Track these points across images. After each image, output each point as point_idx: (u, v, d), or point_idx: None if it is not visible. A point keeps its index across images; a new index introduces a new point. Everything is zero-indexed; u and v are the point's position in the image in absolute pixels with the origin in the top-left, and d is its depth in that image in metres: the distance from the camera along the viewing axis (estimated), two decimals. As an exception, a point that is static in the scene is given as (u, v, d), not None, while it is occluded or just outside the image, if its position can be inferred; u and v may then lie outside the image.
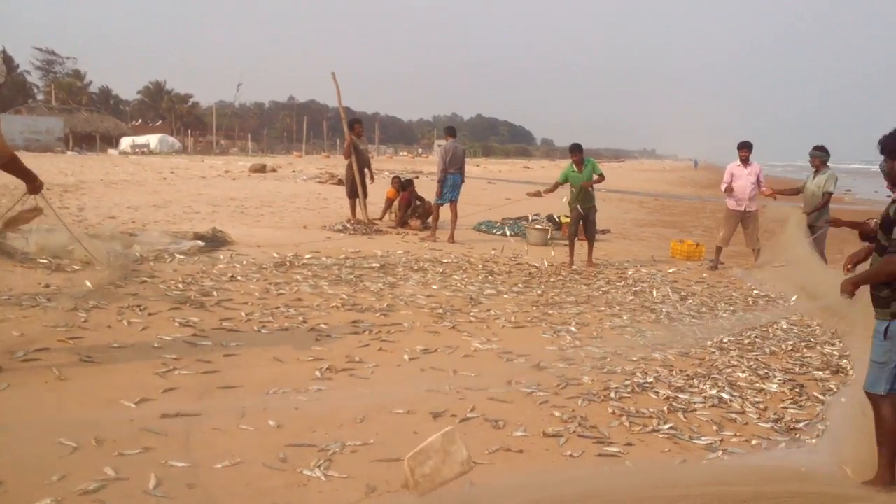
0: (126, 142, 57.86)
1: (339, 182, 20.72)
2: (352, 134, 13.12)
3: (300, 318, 6.44)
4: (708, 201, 26.25)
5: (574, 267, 10.15)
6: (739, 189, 10.46)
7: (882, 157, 3.77)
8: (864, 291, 3.86)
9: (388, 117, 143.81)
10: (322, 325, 6.27)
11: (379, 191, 16.01)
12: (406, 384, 4.94)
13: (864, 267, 4.06)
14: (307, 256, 9.50)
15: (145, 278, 7.49)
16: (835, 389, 5.22)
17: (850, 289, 3.79)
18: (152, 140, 58.33)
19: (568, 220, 11.89)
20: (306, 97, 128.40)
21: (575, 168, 10.35)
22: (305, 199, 18.46)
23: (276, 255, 9.35)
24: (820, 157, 9.48)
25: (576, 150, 10.33)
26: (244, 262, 8.80)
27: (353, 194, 13.39)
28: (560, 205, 11.20)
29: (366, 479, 3.50)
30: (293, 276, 8.17)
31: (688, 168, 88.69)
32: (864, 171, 64.77)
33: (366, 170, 13.37)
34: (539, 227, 13.21)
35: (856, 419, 4.05)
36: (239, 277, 7.94)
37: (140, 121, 76.90)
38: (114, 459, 3.52)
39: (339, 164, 30.44)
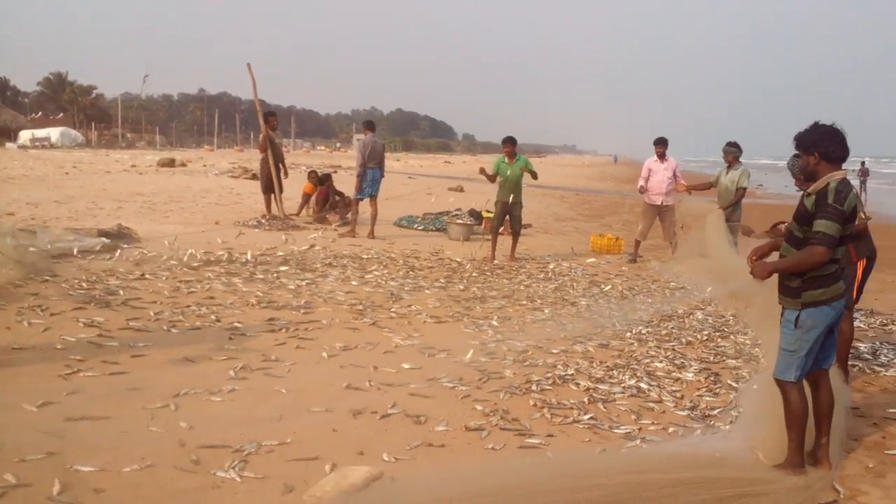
0: (25, 135, 55.07)
1: (254, 177, 20.35)
2: (267, 127, 12.88)
3: (213, 317, 6.29)
4: (627, 196, 26.93)
5: (496, 262, 10.25)
6: (657, 183, 10.78)
7: (791, 155, 3.95)
8: (772, 282, 4.01)
9: (305, 111, 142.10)
10: (236, 324, 6.14)
11: (295, 186, 15.79)
12: (325, 382, 4.88)
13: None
14: (220, 253, 9.27)
15: (47, 277, 7.16)
16: (747, 377, 5.43)
17: (764, 274, 3.93)
18: (53, 133, 55.84)
19: (490, 215, 12.01)
20: (218, 89, 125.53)
21: (506, 160, 10.43)
22: (217, 194, 18.07)
23: (186, 252, 9.09)
24: (732, 152, 9.83)
25: (508, 142, 10.38)
26: (152, 260, 8.53)
27: (268, 189, 13.13)
28: (482, 200, 11.27)
29: (283, 478, 3.44)
30: (205, 274, 7.97)
31: (607, 163, 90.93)
32: (772, 167, 67.90)
33: (280, 164, 13.14)
34: (461, 222, 13.28)
35: (767, 405, 4.21)
36: (147, 276, 7.68)
37: (40, 113, 73.44)
38: (15, 466, 3.37)
39: (252, 159, 29.91)
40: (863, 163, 28.81)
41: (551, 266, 10.20)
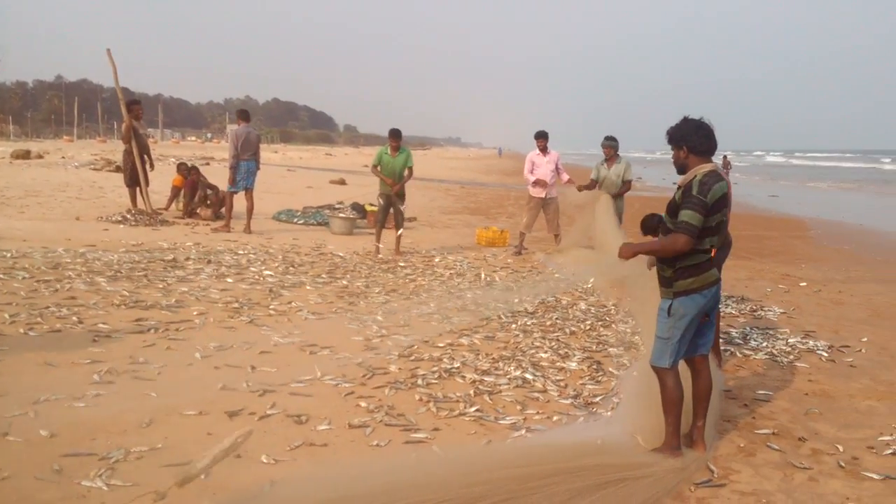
0: None
1: (117, 169, 19.49)
2: (130, 116, 12.34)
3: (74, 319, 6.01)
4: (512, 189, 27.56)
5: (381, 256, 10.27)
6: (540, 176, 11.10)
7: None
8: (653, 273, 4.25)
9: (174, 99, 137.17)
10: (101, 325, 5.90)
11: (164, 179, 15.25)
12: (198, 384, 4.77)
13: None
14: (81, 250, 8.84)
15: None
16: (628, 364, 5.70)
17: (627, 254, 4.13)
18: None
19: (374, 208, 12.01)
20: (77, 76, 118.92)
21: (390, 152, 10.46)
22: (78, 188, 17.25)
23: (44, 249, 8.61)
24: (613, 146, 10.27)
25: (395, 135, 10.47)
26: (7, 258, 8.06)
27: (132, 183, 12.65)
28: (365, 193, 11.26)
29: (154, 485, 3.34)
30: (65, 273, 7.59)
31: (492, 156, 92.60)
32: (646, 160, 71.77)
33: (145, 156, 12.65)
34: (343, 215, 13.21)
35: (645, 391, 4.45)
36: (0, 275, 7.24)
37: None
38: None
39: (116, 150, 28.57)
40: (724, 156, 30.93)
41: (437, 259, 10.33)
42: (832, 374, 5.80)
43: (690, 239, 3.82)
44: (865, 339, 6.86)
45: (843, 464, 4.09)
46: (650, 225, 5.18)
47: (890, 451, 4.29)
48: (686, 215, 3.82)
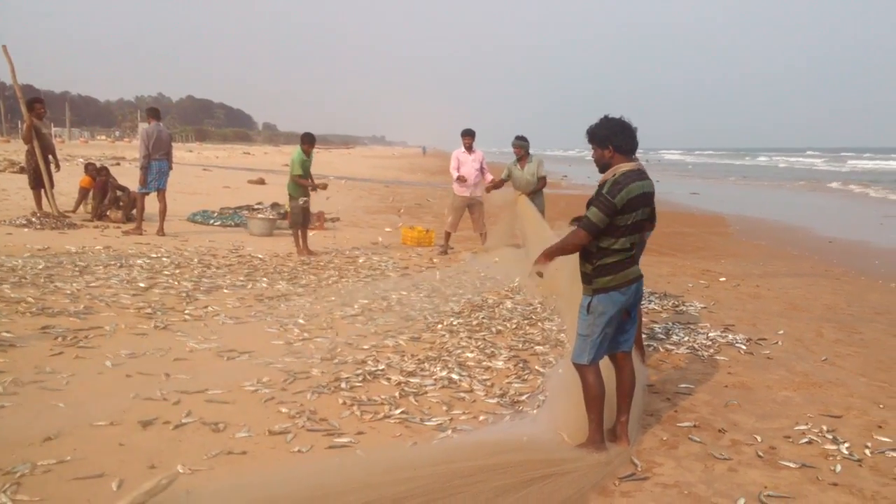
0: None
1: (21, 170, 18.72)
2: (32, 115, 11.88)
3: (-27, 328, 5.74)
4: (437, 187, 27.64)
5: (303, 257, 10.16)
6: (466, 175, 11.16)
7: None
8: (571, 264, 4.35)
9: (82, 97, 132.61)
10: (4, 334, 5.68)
11: (71, 180, 14.74)
12: (109, 393, 4.63)
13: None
14: (-20, 256, 8.46)
15: None
16: (554, 362, 5.79)
17: (542, 260, 4.27)
18: None
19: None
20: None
21: (304, 155, 10.58)
22: (-23, 190, 16.42)
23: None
24: (524, 146, 10.41)
25: (308, 140, 10.67)
26: None
27: (37, 184, 12.22)
28: (285, 193, 11.14)
29: (64, 500, 3.25)
30: (-39, 280, 7.24)
31: (417, 154, 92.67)
32: (570, 158, 73.60)
33: (49, 156, 12.21)
34: (262, 216, 13.01)
35: (569, 389, 4.53)
36: None
37: None
38: None
39: (19, 151, 27.43)
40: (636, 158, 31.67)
41: (361, 260, 10.28)
42: (750, 367, 6.03)
43: (588, 235, 3.96)
44: (782, 332, 7.15)
45: (761, 453, 4.26)
46: None
47: (805, 440, 4.49)
48: (590, 212, 3.96)
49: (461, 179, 11.18)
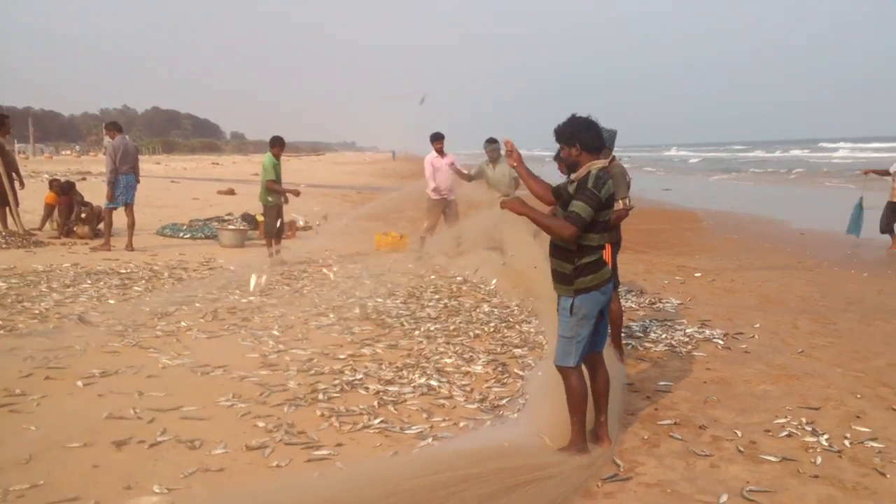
0: None
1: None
2: (-2, 133, 11.76)
3: (-63, 352, 5.63)
4: (410, 192, 27.54)
5: (276, 267, 10.08)
6: (442, 179, 11.13)
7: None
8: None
9: (45, 112, 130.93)
10: (-30, 357, 5.55)
11: (36, 197, 14.53)
12: (81, 414, 4.56)
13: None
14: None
15: None
16: (533, 365, 5.79)
17: (517, 208, 4.09)
18: None
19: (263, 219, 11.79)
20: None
21: (275, 159, 10.64)
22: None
23: None
24: (496, 148, 10.43)
25: (278, 142, 10.79)
26: None
27: (1, 203, 12.05)
28: (256, 203, 11.08)
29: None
30: (-76, 304, 7.10)
31: (388, 159, 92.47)
32: (544, 159, 73.35)
33: (13, 174, 12.07)
34: (233, 227, 12.90)
35: (550, 391, 4.54)
36: None
37: None
38: None
39: (-19, 167, 26.96)
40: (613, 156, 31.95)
41: (335, 268, 10.22)
42: (728, 362, 6.08)
43: (577, 230, 3.92)
44: (758, 325, 7.23)
45: (741, 448, 4.30)
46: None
47: (785, 433, 4.53)
48: (577, 206, 3.92)
49: (436, 192, 11.18)
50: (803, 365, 6.00)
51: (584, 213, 3.90)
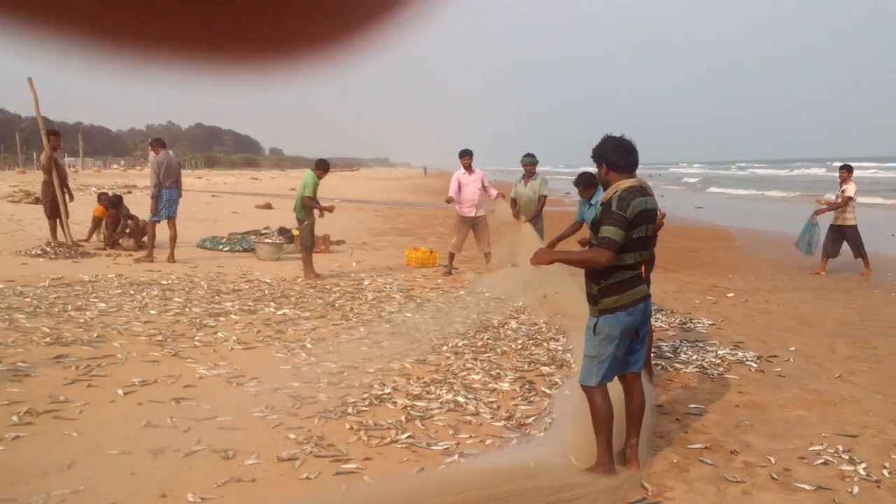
0: None
1: (36, 201, 18.84)
2: (51, 147, 12.05)
3: (-9, 358, 5.74)
4: (440, 208, 27.61)
5: (309, 281, 10.14)
6: (468, 196, 11.16)
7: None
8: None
9: (94, 127, 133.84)
10: (20, 364, 5.67)
11: (84, 209, 14.83)
12: (121, 421, 4.61)
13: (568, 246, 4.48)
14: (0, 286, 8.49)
15: None
16: (560, 383, 5.73)
17: (545, 259, 4.21)
18: None
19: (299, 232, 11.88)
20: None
21: (317, 179, 10.62)
22: (-5, 220, 16.55)
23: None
24: (533, 163, 10.47)
25: (323, 166, 10.73)
26: None
27: (53, 214, 12.36)
28: (292, 217, 11.15)
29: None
30: (-22, 311, 7.26)
31: (419, 175, 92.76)
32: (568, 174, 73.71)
33: (64, 187, 12.36)
34: (269, 241, 13.02)
35: (577, 410, 4.48)
36: None
37: None
38: None
39: (35, 181, 27.66)
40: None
41: (366, 282, 10.25)
42: (762, 385, 5.94)
43: (613, 255, 3.87)
44: (793, 349, 7.05)
45: (775, 476, 4.17)
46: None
47: (821, 460, 4.39)
48: (607, 231, 3.88)
49: (450, 201, 11.22)
50: (840, 390, 5.84)
51: (615, 235, 3.86)
